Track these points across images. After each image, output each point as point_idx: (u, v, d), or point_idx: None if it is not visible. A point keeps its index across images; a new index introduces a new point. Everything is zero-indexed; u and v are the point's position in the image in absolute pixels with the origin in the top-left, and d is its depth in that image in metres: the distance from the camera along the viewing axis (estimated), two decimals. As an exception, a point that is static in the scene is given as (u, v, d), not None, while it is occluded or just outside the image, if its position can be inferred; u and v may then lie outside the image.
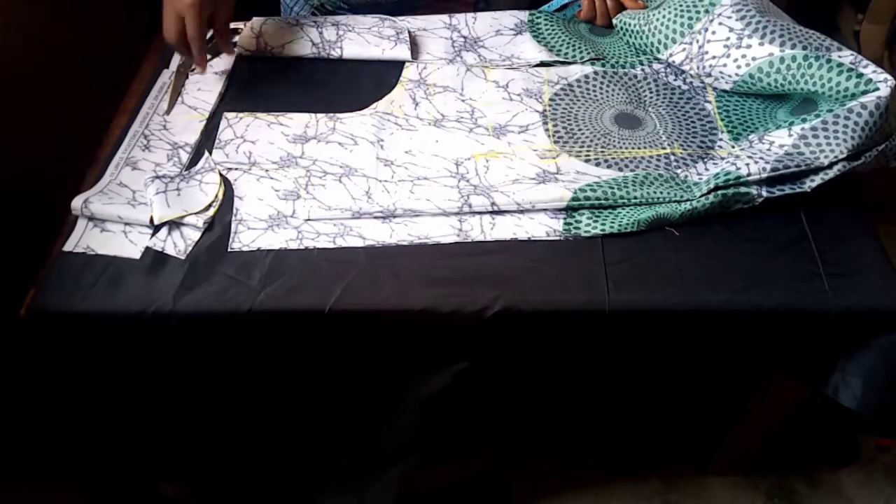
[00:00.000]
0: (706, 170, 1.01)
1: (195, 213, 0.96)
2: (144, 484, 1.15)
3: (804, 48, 1.00)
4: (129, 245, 0.94)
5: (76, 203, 0.97)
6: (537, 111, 1.10)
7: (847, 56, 1.00)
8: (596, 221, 0.96)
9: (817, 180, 0.96)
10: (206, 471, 1.13)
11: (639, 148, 1.05)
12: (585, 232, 0.95)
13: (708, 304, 0.90)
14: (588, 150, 1.05)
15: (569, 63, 1.17)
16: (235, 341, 0.92)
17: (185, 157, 1.05)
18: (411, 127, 1.08)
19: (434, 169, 1.02)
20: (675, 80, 1.14)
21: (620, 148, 1.05)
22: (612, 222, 0.95)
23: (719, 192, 0.95)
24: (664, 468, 1.31)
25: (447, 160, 1.03)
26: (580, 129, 1.07)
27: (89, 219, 0.97)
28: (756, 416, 1.15)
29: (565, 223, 0.96)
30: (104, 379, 0.99)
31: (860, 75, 0.97)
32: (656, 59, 1.16)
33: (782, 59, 1.01)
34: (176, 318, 0.88)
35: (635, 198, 0.96)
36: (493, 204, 0.96)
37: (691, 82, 1.13)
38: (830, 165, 0.96)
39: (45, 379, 0.95)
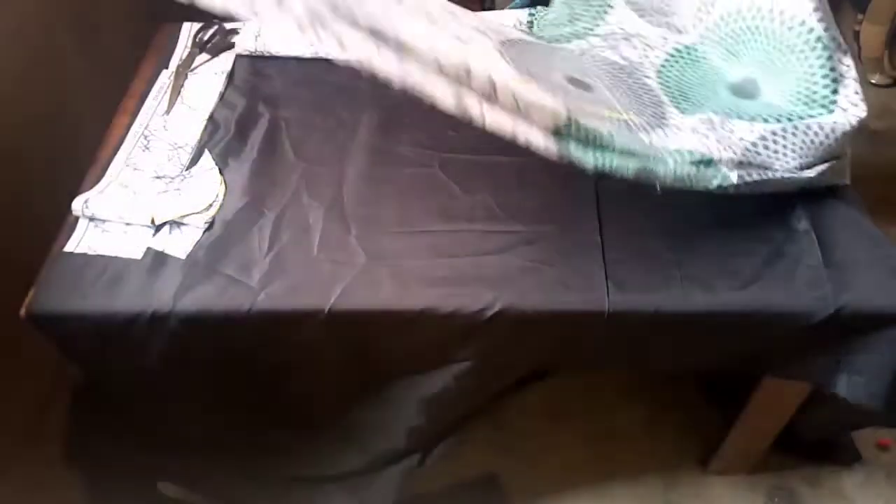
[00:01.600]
0: (666, 136, 0.97)
1: (196, 213, 0.96)
2: (144, 484, 1.15)
3: (826, 29, 0.96)
4: (129, 245, 0.94)
5: (77, 203, 0.97)
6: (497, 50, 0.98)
7: (846, 67, 0.97)
8: (587, 153, 0.88)
9: (789, 173, 0.95)
10: (206, 471, 1.12)
11: (598, 108, 0.97)
12: (579, 158, 0.87)
13: (708, 304, 0.90)
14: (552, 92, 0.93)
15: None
16: (235, 341, 0.92)
17: (185, 157, 1.05)
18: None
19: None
20: (612, 54, 1.10)
21: (577, 102, 0.95)
22: (604, 158, 0.88)
23: (694, 164, 0.92)
24: (664, 468, 1.32)
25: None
26: (537, 77, 0.97)
27: (90, 219, 0.97)
28: (756, 416, 1.15)
29: (559, 141, 0.87)
30: (104, 378, 0.99)
31: (835, 91, 0.96)
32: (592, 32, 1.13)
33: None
34: (176, 318, 0.88)
35: (623, 143, 0.90)
36: (490, 80, 0.85)
37: (628, 57, 1.10)
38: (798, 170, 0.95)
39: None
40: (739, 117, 0.99)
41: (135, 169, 1.03)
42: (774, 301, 0.90)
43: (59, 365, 1.15)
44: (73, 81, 1.27)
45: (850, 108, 0.96)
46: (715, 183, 0.93)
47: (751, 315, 0.90)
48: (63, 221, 0.97)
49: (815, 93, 0.97)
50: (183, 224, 0.96)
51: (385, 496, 1.10)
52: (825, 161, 0.98)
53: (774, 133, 0.96)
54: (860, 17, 1.92)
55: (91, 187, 1.00)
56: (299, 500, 1.14)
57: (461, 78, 0.85)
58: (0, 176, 1.11)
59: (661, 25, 1.13)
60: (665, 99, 1.04)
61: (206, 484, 1.15)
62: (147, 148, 1.06)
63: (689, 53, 1.09)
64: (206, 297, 0.89)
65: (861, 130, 0.97)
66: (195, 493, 1.16)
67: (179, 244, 0.94)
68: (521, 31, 1.14)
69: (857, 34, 1.95)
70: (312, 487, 1.13)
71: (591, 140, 0.88)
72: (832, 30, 0.98)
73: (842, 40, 1.00)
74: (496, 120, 0.86)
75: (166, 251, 0.93)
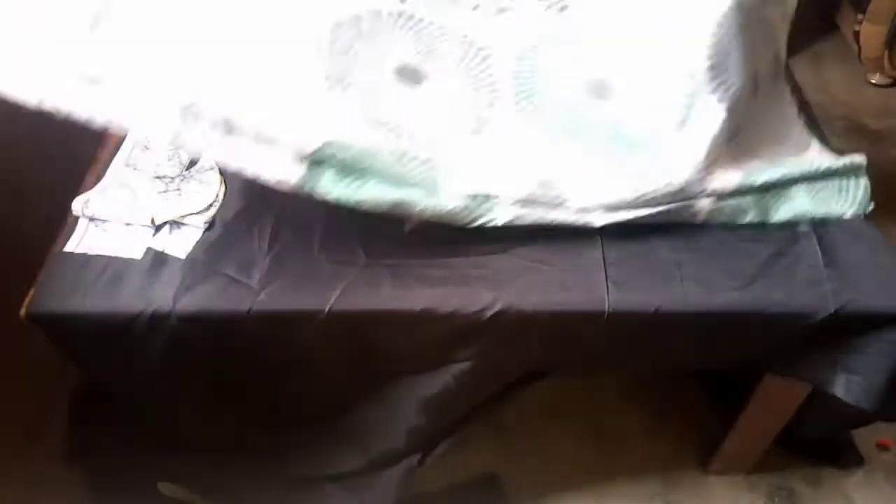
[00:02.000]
0: (463, 155, 0.91)
1: (196, 213, 0.96)
2: (144, 484, 1.15)
3: (710, 58, 0.88)
4: (129, 245, 0.94)
5: (77, 203, 0.97)
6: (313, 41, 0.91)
7: (713, 110, 0.88)
8: (338, 184, 0.86)
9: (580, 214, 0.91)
10: (207, 470, 1.13)
11: (408, 110, 0.92)
12: (325, 191, 0.86)
13: (708, 304, 0.90)
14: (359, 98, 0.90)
15: None
16: (235, 341, 0.92)
17: (185, 156, 1.05)
18: None
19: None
20: (476, 32, 0.97)
21: (391, 105, 0.91)
22: (356, 190, 0.86)
23: (469, 198, 0.91)
24: (664, 468, 1.32)
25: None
26: (356, 73, 0.92)
27: (90, 219, 0.97)
28: (756, 416, 1.15)
29: (307, 172, 0.85)
30: (104, 378, 0.99)
31: (681, 125, 0.90)
32: None
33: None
34: (176, 318, 0.88)
35: (387, 174, 0.87)
36: (225, 121, 0.83)
37: (494, 37, 0.97)
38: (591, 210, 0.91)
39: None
40: (568, 132, 0.94)
41: (135, 169, 1.03)
42: (774, 301, 0.90)
43: (59, 365, 1.16)
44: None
45: (682, 155, 0.89)
46: (482, 221, 0.92)
47: (751, 315, 0.90)
48: (63, 221, 0.97)
49: (657, 122, 0.91)
50: (183, 224, 0.96)
51: (385, 496, 1.10)
52: (647, 206, 0.91)
53: (583, 163, 0.91)
54: (860, 17, 1.92)
55: (91, 187, 1.00)
56: (299, 500, 1.14)
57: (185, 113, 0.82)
58: (0, 176, 1.11)
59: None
60: (509, 93, 0.96)
61: (206, 484, 1.15)
62: (147, 148, 1.06)
63: (561, 34, 0.96)
64: (206, 297, 0.89)
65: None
66: (195, 493, 1.16)
67: (179, 244, 0.94)
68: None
69: (857, 34, 1.95)
70: (312, 487, 1.13)
71: (349, 167, 0.86)
72: (725, 65, 0.88)
73: (736, 82, 0.89)
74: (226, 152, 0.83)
75: (166, 251, 0.93)
